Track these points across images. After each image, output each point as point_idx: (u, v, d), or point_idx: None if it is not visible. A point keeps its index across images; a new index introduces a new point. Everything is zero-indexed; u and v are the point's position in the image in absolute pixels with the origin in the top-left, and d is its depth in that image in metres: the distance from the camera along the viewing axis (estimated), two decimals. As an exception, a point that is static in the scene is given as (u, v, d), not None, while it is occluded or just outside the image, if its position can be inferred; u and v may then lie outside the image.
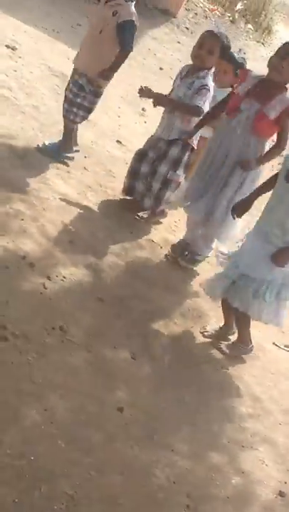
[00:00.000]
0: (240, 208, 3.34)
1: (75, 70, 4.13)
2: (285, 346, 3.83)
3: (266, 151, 3.53)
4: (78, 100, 4.08)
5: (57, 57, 5.82)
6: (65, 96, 4.17)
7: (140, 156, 4.02)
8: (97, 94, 4.10)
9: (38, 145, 4.23)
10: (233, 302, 3.17)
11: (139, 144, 4.33)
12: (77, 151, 4.38)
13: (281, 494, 2.67)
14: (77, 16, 7.29)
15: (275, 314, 3.23)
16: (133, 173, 4.05)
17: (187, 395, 2.93)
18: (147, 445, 2.54)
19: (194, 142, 3.94)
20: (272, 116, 3.40)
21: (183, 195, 3.91)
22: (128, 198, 4.14)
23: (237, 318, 3.35)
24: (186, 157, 3.92)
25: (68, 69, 5.72)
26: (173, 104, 3.85)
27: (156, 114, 4.28)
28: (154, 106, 3.90)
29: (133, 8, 3.90)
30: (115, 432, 2.54)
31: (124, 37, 3.89)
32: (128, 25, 3.88)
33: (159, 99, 3.86)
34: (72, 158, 4.31)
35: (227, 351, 3.36)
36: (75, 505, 2.15)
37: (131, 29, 3.90)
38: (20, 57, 5.51)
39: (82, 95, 4.06)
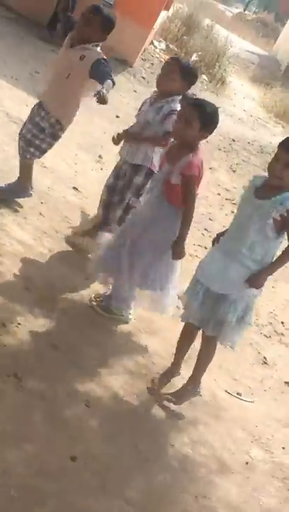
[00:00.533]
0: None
1: (39, 105, 4.13)
2: (238, 394, 3.87)
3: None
4: (36, 142, 4.12)
5: (15, 104, 5.87)
6: (23, 135, 4.16)
7: (110, 188, 4.12)
8: (56, 137, 4.14)
9: None
10: (207, 329, 3.19)
11: (96, 190, 4.42)
12: (31, 194, 4.40)
13: None
14: (36, 64, 7.39)
15: (234, 337, 3.30)
16: (107, 205, 4.15)
17: (140, 443, 2.94)
18: (100, 495, 2.54)
19: (156, 166, 3.97)
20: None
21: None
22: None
23: (199, 354, 3.35)
24: (148, 183, 4.00)
25: (27, 115, 5.82)
26: (149, 141, 3.90)
27: (112, 161, 4.38)
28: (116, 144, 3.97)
29: (100, 50, 3.94)
30: (68, 481, 2.53)
31: (101, 71, 3.84)
32: (101, 61, 3.88)
33: (132, 138, 3.93)
34: (30, 195, 4.33)
35: (175, 401, 3.32)
36: None
37: (105, 63, 3.88)
38: None
39: (40, 137, 4.10)
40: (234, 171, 8.02)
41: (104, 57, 3.91)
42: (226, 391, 3.82)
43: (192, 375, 3.37)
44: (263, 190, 3.09)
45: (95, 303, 3.75)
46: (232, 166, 8.22)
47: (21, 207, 4.28)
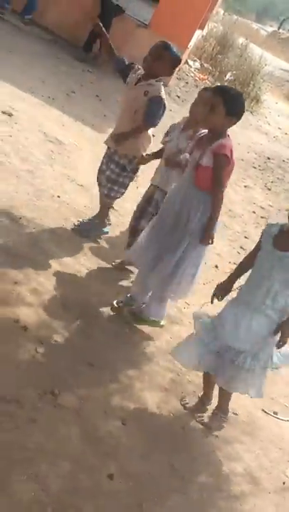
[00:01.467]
0: (222, 291, 3.28)
1: (112, 151, 4.26)
2: (274, 413, 3.81)
3: None
4: (120, 179, 4.24)
5: (52, 124, 6.02)
6: (106, 175, 4.30)
7: (139, 210, 4.14)
8: (135, 171, 4.27)
9: (74, 226, 4.42)
10: (218, 380, 3.18)
11: (131, 208, 4.44)
12: (109, 224, 4.59)
13: None
14: (72, 84, 7.61)
15: (259, 386, 3.24)
16: (134, 231, 4.13)
17: (177, 461, 2.93)
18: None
19: None
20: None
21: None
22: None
23: (220, 388, 3.33)
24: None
25: (63, 135, 5.94)
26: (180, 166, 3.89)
27: (146, 181, 4.43)
28: (167, 165, 3.97)
29: (162, 88, 4.05)
30: (105, 500, 2.54)
31: (150, 111, 4.01)
32: (156, 100, 4.01)
33: (169, 162, 3.92)
34: (107, 232, 4.54)
35: (208, 423, 3.32)
36: None
37: (158, 104, 4.01)
38: (16, 123, 5.66)
39: (123, 175, 4.22)
40: (269, 189, 8.03)
41: (162, 95, 4.05)
42: (262, 410, 3.77)
43: (218, 403, 3.35)
44: (282, 239, 3.04)
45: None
46: (267, 184, 8.24)
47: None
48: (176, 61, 4.03)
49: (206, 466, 3.11)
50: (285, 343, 3.09)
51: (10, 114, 5.77)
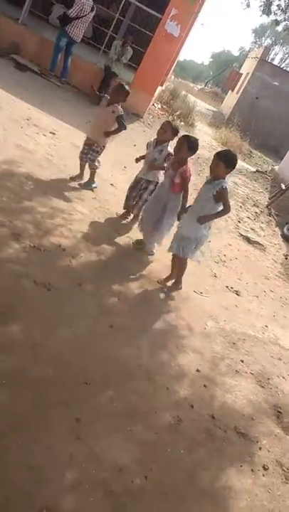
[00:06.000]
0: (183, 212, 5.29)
1: (88, 139, 6.53)
2: (200, 292, 5.69)
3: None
4: (92, 155, 6.60)
5: (77, 139, 7.95)
6: (84, 153, 6.59)
7: (132, 188, 6.28)
8: (100, 151, 6.61)
9: (79, 184, 6.68)
10: (178, 253, 5.25)
11: (123, 186, 6.58)
12: (95, 187, 6.80)
13: None
14: (88, 117, 9.91)
15: (194, 255, 5.30)
16: (128, 198, 6.31)
17: (140, 308, 5.24)
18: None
19: (160, 180, 6.01)
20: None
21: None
22: (124, 210, 6.44)
23: (179, 264, 5.33)
24: (156, 189, 6.03)
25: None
26: (157, 168, 5.95)
27: (131, 171, 6.37)
28: (137, 162, 6.21)
29: (121, 108, 6.34)
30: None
31: (121, 123, 6.31)
32: (122, 117, 6.31)
33: (150, 166, 5.96)
34: (96, 187, 6.76)
35: (168, 289, 5.35)
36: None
37: (124, 118, 6.31)
38: (57, 138, 7.78)
39: (93, 153, 6.58)
40: (199, 175, 10.44)
41: (123, 113, 6.37)
42: (194, 291, 5.74)
43: (176, 277, 5.44)
44: (208, 180, 5.07)
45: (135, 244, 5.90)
46: (198, 172, 10.98)
47: (83, 196, 6.56)
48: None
49: (159, 315, 4.80)
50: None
51: (54, 133, 7.99)
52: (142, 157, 6.23)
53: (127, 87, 6.41)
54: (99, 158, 6.74)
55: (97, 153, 6.71)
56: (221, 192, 4.96)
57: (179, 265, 5.49)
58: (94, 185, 6.90)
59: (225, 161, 4.95)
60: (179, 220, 5.48)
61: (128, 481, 3.05)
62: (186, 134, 5.82)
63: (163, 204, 5.67)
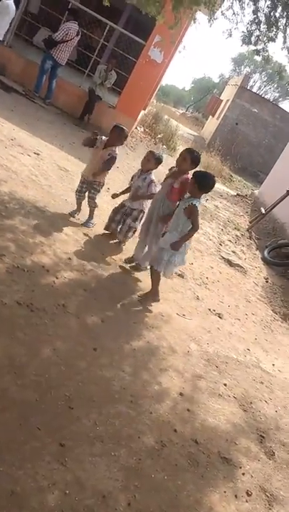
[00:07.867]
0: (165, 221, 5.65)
1: (85, 177, 6.57)
2: (183, 315, 5.82)
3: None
4: (92, 193, 6.64)
5: (62, 160, 8.25)
6: (81, 193, 6.65)
7: (116, 210, 6.52)
8: (100, 189, 6.65)
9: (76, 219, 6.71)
10: (153, 265, 5.54)
11: (107, 207, 6.83)
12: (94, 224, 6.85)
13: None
14: (73, 138, 10.14)
15: (168, 270, 5.57)
16: (111, 220, 6.52)
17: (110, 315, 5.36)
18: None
19: (146, 209, 6.31)
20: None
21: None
22: (106, 232, 6.62)
23: (152, 276, 5.61)
24: (140, 216, 6.39)
25: (68, 166, 8.28)
26: (142, 198, 6.22)
27: (115, 191, 6.59)
28: (113, 198, 6.44)
29: (118, 151, 6.35)
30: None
31: (107, 163, 6.31)
32: (112, 159, 6.30)
33: (133, 197, 6.26)
34: (94, 224, 6.79)
35: (143, 298, 5.52)
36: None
37: (113, 160, 6.32)
38: (41, 159, 7.89)
39: (93, 191, 6.62)
40: None
41: (116, 155, 6.31)
42: (176, 314, 5.80)
43: (152, 287, 5.63)
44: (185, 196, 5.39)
45: (125, 264, 6.15)
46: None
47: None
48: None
49: (143, 338, 4.93)
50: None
51: (38, 154, 8.08)
52: (123, 192, 6.48)
53: (126, 130, 6.41)
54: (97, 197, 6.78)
55: (97, 191, 6.72)
56: (189, 208, 5.10)
57: (152, 277, 5.68)
58: (93, 223, 6.91)
59: (199, 182, 5.12)
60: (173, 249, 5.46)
61: (111, 508, 3.00)
62: (189, 147, 5.99)
63: (156, 213, 5.88)
